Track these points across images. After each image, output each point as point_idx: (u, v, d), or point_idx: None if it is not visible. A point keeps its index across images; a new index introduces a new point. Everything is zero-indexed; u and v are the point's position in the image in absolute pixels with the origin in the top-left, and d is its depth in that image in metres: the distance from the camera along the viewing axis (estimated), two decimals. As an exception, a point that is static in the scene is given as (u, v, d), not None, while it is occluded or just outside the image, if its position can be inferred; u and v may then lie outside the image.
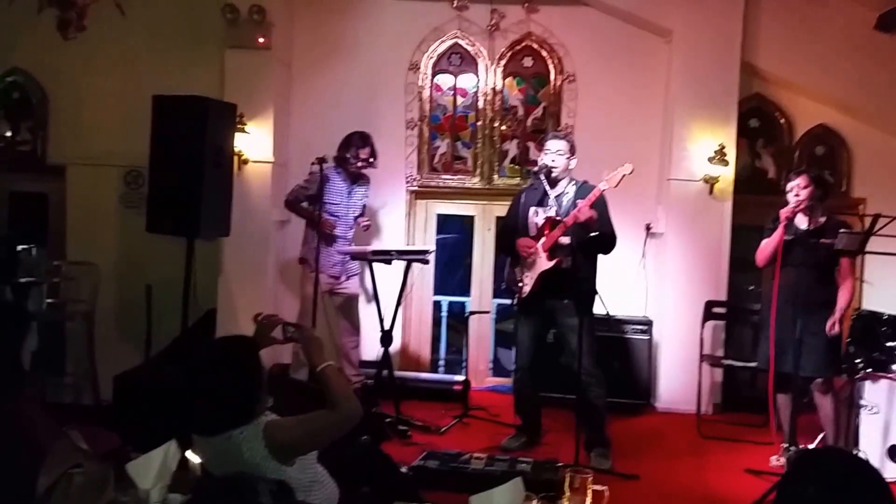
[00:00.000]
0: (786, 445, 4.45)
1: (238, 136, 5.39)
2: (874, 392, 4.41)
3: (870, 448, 4.37)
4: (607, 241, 4.43)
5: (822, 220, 4.45)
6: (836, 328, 4.36)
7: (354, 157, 5.31)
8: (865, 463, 1.70)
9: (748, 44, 5.83)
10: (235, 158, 5.40)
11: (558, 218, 4.33)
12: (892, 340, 4.53)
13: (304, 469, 2.39)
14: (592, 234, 4.28)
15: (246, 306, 5.59)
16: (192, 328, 4.99)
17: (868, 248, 4.17)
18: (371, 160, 5.39)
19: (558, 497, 2.29)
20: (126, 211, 5.97)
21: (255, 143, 5.68)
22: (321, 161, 4.97)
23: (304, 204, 5.40)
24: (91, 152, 6.03)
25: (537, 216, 4.49)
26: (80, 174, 6.09)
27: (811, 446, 4.61)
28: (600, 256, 4.58)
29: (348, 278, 5.47)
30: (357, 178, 5.45)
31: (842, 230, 4.26)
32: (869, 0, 5.77)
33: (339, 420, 2.37)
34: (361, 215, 5.56)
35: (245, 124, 5.56)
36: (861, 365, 4.52)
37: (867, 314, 4.65)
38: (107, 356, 5.63)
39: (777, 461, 4.55)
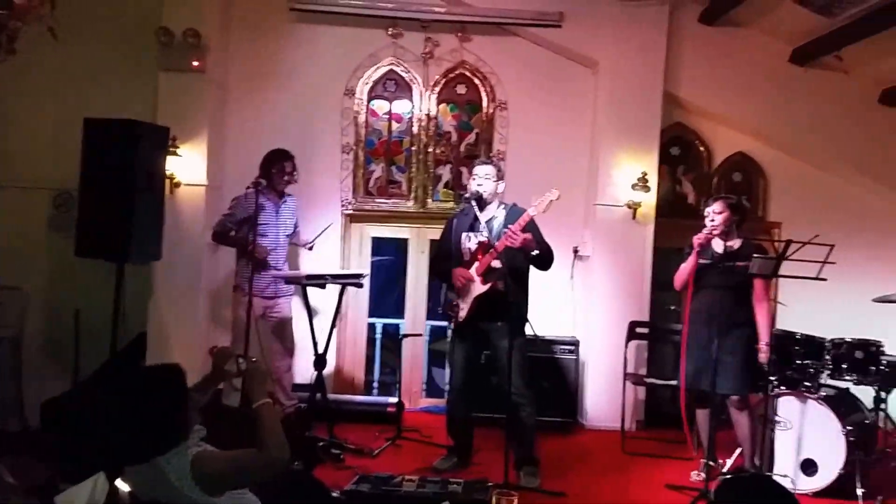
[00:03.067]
0: (705, 461, 4.65)
1: (171, 160, 5.37)
2: (788, 408, 4.65)
3: (784, 462, 4.61)
4: (548, 257, 4.57)
5: (738, 243, 4.66)
6: (767, 354, 4.54)
7: (280, 171, 5.33)
8: (786, 490, 1.85)
9: (670, 75, 6.10)
10: (167, 182, 5.37)
11: (490, 243, 4.46)
12: (805, 359, 4.79)
13: (234, 498, 2.42)
14: (535, 253, 4.42)
15: (177, 331, 5.58)
16: (121, 352, 4.93)
17: (781, 272, 4.40)
18: (294, 174, 5.43)
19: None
20: (55, 235, 5.85)
21: (188, 166, 5.67)
22: (257, 185, 4.98)
23: (233, 233, 5.38)
24: (20, 175, 5.90)
25: (469, 241, 4.62)
26: (7, 197, 5.93)
27: (729, 461, 4.83)
28: (531, 279, 4.72)
29: (282, 300, 5.47)
30: (281, 197, 5.47)
31: (756, 255, 4.48)
32: (784, 35, 6.11)
33: (265, 464, 2.39)
34: (294, 233, 5.59)
35: (177, 147, 5.54)
36: (776, 382, 4.77)
37: (781, 334, 4.89)
38: (34, 382, 5.51)
39: (697, 476, 4.74)
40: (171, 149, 5.36)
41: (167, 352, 5.38)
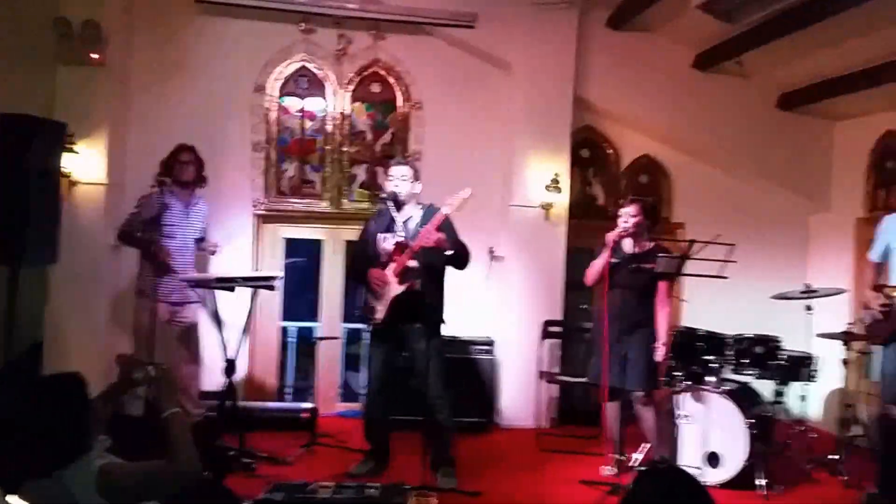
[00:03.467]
0: (615, 455, 4.77)
1: (68, 157, 5.11)
2: (692, 403, 4.78)
3: (689, 455, 4.73)
4: (464, 256, 4.58)
5: (648, 245, 4.78)
6: (662, 355, 4.63)
7: (177, 162, 5.15)
8: (699, 484, 1.89)
9: (580, 78, 6.21)
10: (65, 180, 5.11)
11: (406, 243, 4.44)
12: (708, 354, 4.96)
13: (141, 512, 2.32)
14: (450, 253, 4.42)
15: (76, 338, 5.32)
16: (14, 363, 4.64)
17: (685, 271, 4.53)
18: (198, 167, 5.24)
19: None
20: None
21: (87, 163, 5.42)
22: (161, 183, 4.79)
23: (139, 233, 5.15)
24: None
25: (386, 242, 4.58)
26: None
27: (635, 455, 4.96)
28: (447, 279, 4.72)
29: (188, 305, 5.29)
30: (192, 197, 5.30)
31: (661, 255, 4.62)
32: (687, 40, 6.33)
33: (174, 476, 2.31)
34: (203, 238, 5.42)
35: (74, 143, 5.27)
36: (680, 378, 4.92)
37: (685, 331, 5.06)
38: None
39: (608, 471, 4.86)
40: (67, 145, 5.10)
41: (65, 360, 5.13)
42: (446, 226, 4.46)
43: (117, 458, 2.38)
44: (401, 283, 4.47)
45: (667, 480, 1.83)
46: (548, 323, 5.90)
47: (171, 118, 5.94)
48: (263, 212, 6.20)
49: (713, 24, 5.64)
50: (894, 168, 5.93)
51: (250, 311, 5.10)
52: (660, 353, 4.62)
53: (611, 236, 4.65)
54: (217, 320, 4.96)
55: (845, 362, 5.05)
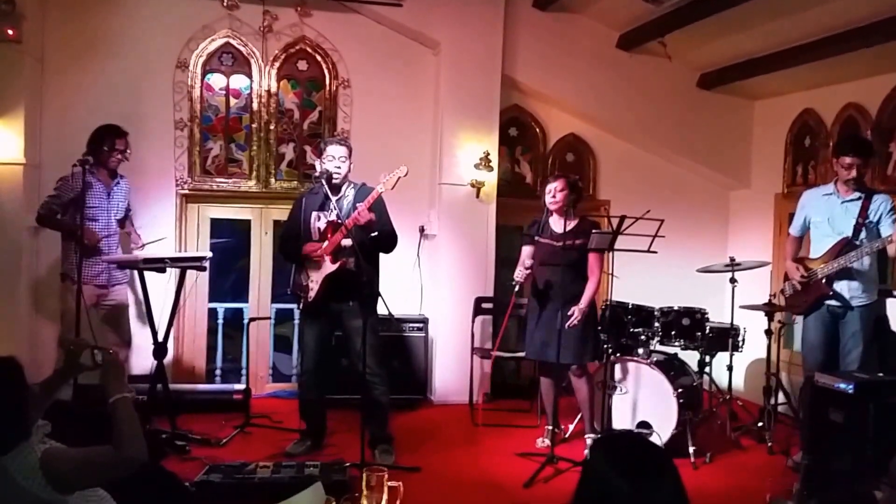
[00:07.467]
0: (549, 427, 4.88)
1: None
2: (623, 374, 4.93)
3: (621, 425, 4.88)
4: (388, 240, 4.59)
5: (575, 222, 4.86)
6: (577, 321, 4.63)
7: (111, 149, 4.99)
8: (656, 445, 1.93)
9: (508, 58, 6.26)
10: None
11: (339, 221, 4.41)
12: (637, 327, 5.11)
13: (85, 497, 2.25)
14: (373, 234, 4.41)
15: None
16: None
17: (616, 246, 4.65)
18: (127, 152, 5.11)
19: (356, 496, 2.33)
20: None
21: (3, 143, 5.16)
22: (84, 163, 4.59)
23: (59, 215, 4.96)
24: None
25: (319, 221, 4.55)
26: None
27: (571, 427, 5.08)
28: (381, 258, 4.72)
29: (114, 287, 5.12)
30: (114, 178, 5.13)
31: (594, 231, 4.73)
32: (612, 21, 6.44)
33: (120, 461, 2.25)
34: (126, 218, 5.25)
35: (-13, 122, 5.02)
36: (611, 350, 5.06)
37: (615, 305, 5.20)
38: None
39: (542, 442, 4.97)
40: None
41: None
42: (378, 204, 4.46)
43: (57, 442, 2.31)
44: (334, 261, 4.45)
45: (624, 446, 1.84)
46: (479, 300, 5.96)
47: (89, 96, 5.69)
48: (188, 191, 6.03)
49: (637, 6, 5.77)
50: (812, 145, 6.16)
51: (179, 293, 4.97)
52: (574, 318, 4.62)
53: (518, 278, 4.72)
54: (146, 302, 4.81)
55: (768, 333, 5.26)
